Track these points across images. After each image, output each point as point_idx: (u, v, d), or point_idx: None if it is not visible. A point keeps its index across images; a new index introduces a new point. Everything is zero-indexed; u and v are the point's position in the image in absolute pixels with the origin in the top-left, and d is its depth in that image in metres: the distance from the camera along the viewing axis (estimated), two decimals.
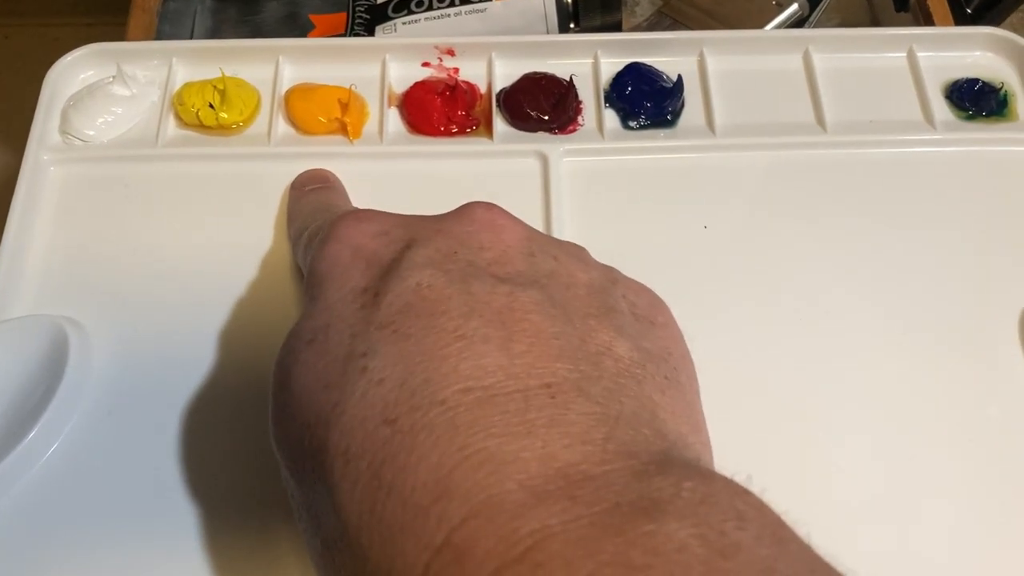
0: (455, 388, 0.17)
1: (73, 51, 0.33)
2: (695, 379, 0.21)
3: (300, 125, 0.33)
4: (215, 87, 0.33)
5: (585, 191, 0.32)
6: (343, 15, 0.38)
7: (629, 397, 0.18)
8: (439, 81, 0.33)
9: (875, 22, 0.41)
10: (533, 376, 0.17)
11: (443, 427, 0.16)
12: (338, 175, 0.32)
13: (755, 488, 0.16)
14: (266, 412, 0.27)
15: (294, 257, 0.29)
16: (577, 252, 0.22)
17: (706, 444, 0.20)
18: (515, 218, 0.22)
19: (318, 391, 0.18)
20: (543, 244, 0.22)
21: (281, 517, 0.26)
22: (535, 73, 0.34)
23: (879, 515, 0.26)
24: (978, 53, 0.35)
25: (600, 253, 0.31)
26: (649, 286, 0.30)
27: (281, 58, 0.34)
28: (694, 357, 0.26)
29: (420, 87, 0.33)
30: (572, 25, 0.38)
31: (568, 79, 0.33)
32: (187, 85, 0.33)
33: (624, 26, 0.40)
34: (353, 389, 0.17)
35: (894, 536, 0.26)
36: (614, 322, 0.20)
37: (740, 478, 0.16)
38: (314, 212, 0.28)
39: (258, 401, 0.28)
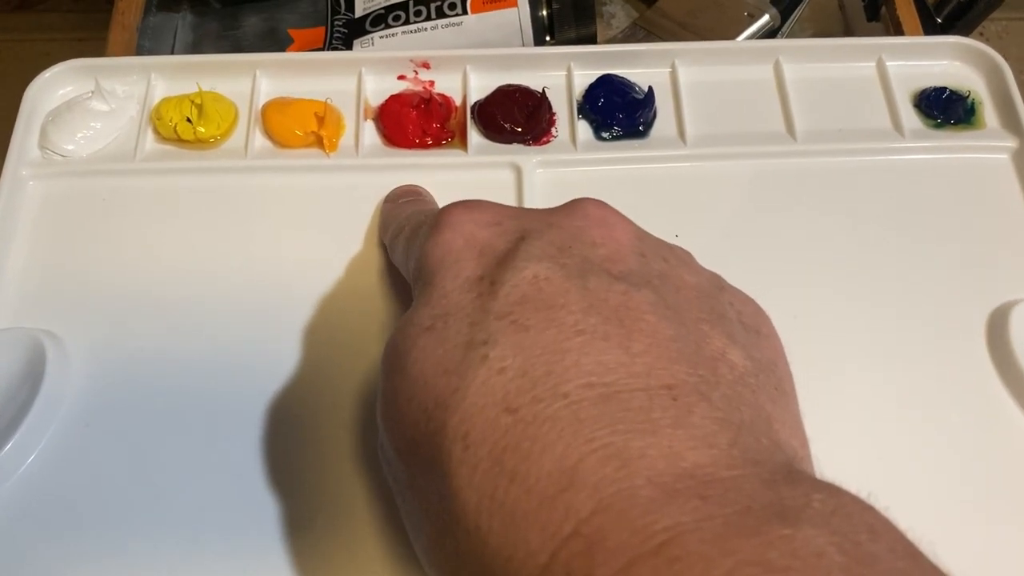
0: (578, 382, 0.17)
1: (52, 67, 0.34)
2: (796, 393, 0.21)
3: (277, 138, 0.33)
4: (192, 101, 0.33)
5: (559, 201, 0.32)
6: (322, 29, 0.39)
7: (747, 406, 0.18)
8: (414, 94, 0.34)
9: (848, 32, 0.42)
10: (654, 376, 0.17)
11: (567, 419, 0.16)
12: (314, 187, 0.32)
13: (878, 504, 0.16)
14: (244, 420, 0.28)
15: (391, 257, 0.29)
16: (684, 256, 0.23)
17: (811, 459, 0.20)
18: (624, 216, 0.22)
19: (437, 376, 0.18)
20: (653, 245, 0.22)
21: (259, 524, 0.26)
22: (509, 86, 0.34)
23: None
24: (946, 62, 0.36)
25: None
26: None
27: (258, 72, 0.34)
28: None
29: (395, 100, 0.34)
30: (548, 38, 0.38)
31: (541, 91, 0.34)
32: (165, 100, 0.34)
33: (600, 38, 0.41)
34: (474, 376, 0.18)
35: None
36: (725, 329, 0.20)
37: (863, 494, 0.16)
38: (410, 217, 0.28)
39: (235, 412, 0.28)
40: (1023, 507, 0.27)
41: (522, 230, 0.21)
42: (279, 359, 0.29)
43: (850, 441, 0.28)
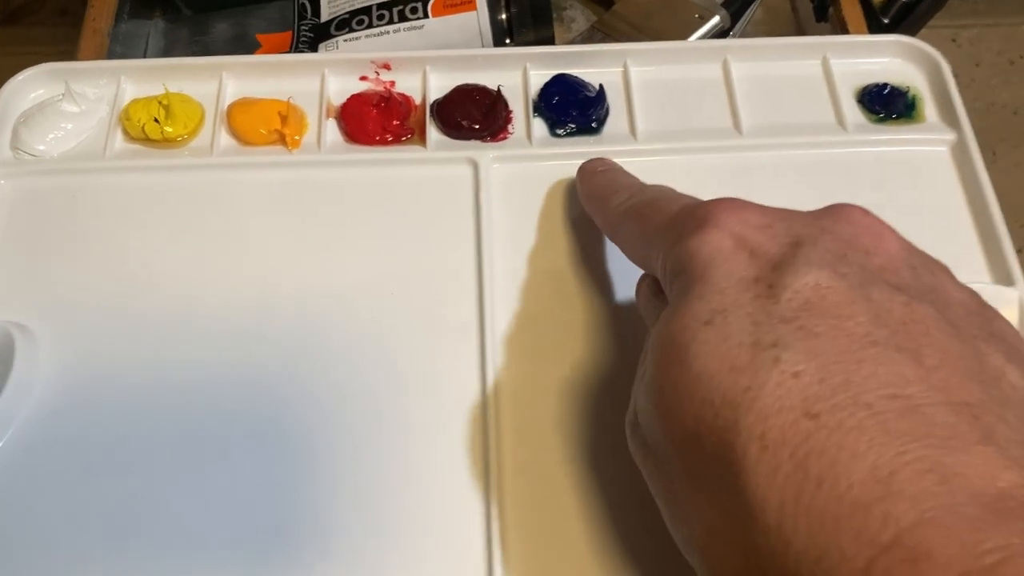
0: (879, 393, 0.17)
1: (24, 71, 0.35)
2: None
3: (241, 137, 0.34)
4: (160, 102, 0.34)
5: (514, 194, 0.34)
6: (288, 34, 0.40)
7: None
8: (375, 93, 0.35)
9: (800, 32, 0.43)
10: (952, 393, 0.17)
11: (874, 430, 0.17)
12: (278, 183, 0.34)
13: None
14: (211, 414, 0.29)
15: (611, 230, 0.29)
16: (945, 269, 0.22)
17: None
18: (889, 225, 0.22)
19: (724, 373, 0.19)
20: (921, 257, 0.22)
21: (228, 520, 0.27)
22: (467, 85, 0.35)
23: None
24: (888, 60, 0.37)
25: (528, 252, 0.32)
26: (577, 280, 0.32)
27: (224, 74, 0.36)
28: (618, 346, 0.28)
29: (356, 99, 0.35)
30: (507, 40, 0.40)
31: (496, 89, 0.35)
32: (134, 101, 0.35)
33: (560, 41, 0.42)
34: (766, 377, 0.18)
35: None
36: (999, 347, 0.20)
37: None
38: (632, 193, 0.28)
39: (204, 406, 0.29)
40: None
41: (794, 235, 0.21)
42: (246, 353, 0.30)
43: None
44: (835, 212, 0.22)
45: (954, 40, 1.29)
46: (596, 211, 0.30)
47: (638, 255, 0.26)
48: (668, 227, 0.24)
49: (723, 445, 0.18)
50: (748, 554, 0.18)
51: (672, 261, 0.23)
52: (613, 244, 0.32)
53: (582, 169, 0.32)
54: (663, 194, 0.26)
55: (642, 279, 0.27)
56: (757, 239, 0.21)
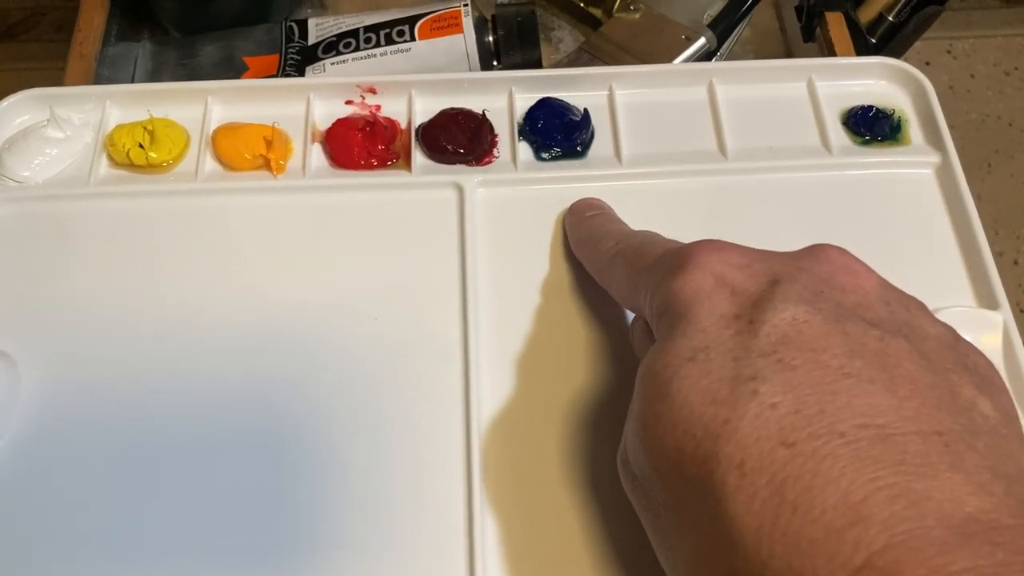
0: (852, 423, 0.18)
1: (9, 96, 0.35)
2: None
3: (226, 162, 0.34)
4: (145, 128, 0.34)
5: (499, 219, 0.34)
6: (276, 57, 0.40)
7: (1007, 456, 0.19)
8: (360, 118, 0.35)
9: (788, 53, 0.43)
10: (922, 422, 0.18)
11: (847, 458, 0.17)
12: (263, 209, 0.34)
13: None
14: (195, 441, 0.29)
15: (598, 274, 0.30)
16: (921, 306, 0.23)
17: None
18: (866, 264, 0.23)
19: (705, 406, 0.20)
20: (895, 294, 0.23)
21: (209, 543, 0.27)
22: (452, 109, 0.35)
23: None
24: (873, 82, 0.37)
25: (513, 277, 0.32)
26: (561, 304, 0.32)
27: (210, 99, 0.36)
28: (601, 368, 0.30)
29: (341, 124, 0.35)
30: (495, 63, 0.40)
31: (481, 113, 0.35)
32: (118, 127, 0.35)
33: (548, 62, 0.42)
34: (745, 409, 0.19)
35: None
36: (971, 379, 0.20)
37: None
38: (619, 239, 0.29)
39: (187, 432, 0.29)
40: None
41: (773, 273, 0.22)
42: (232, 377, 0.30)
43: None
44: (813, 252, 0.23)
45: (949, 51, 1.29)
46: (585, 256, 0.31)
47: (626, 298, 0.27)
48: (652, 269, 0.25)
49: (704, 474, 0.19)
50: None
51: (657, 301, 0.23)
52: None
53: (571, 211, 0.33)
54: (648, 239, 0.27)
55: (635, 321, 0.28)
56: (737, 278, 0.22)
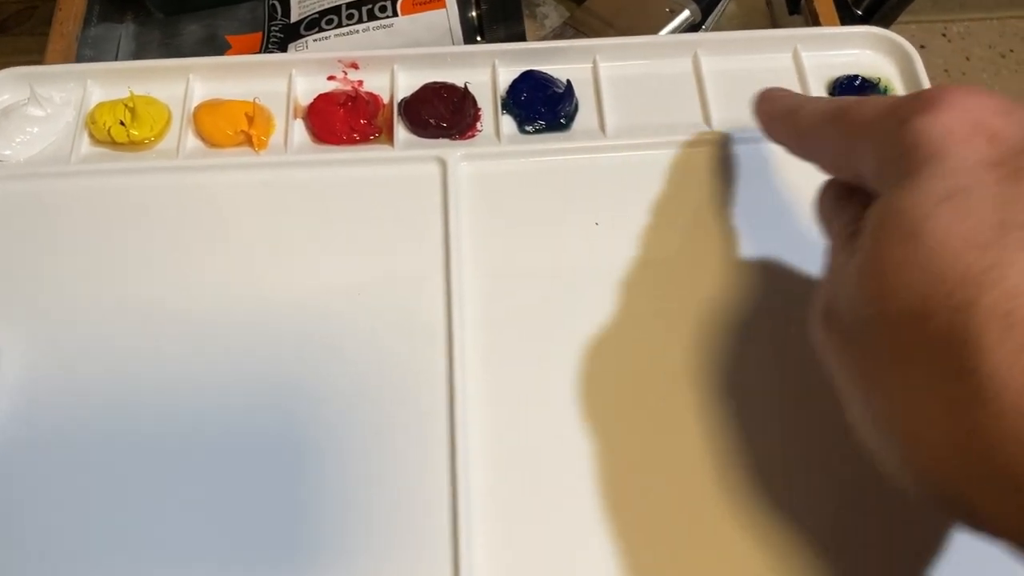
0: None
1: None
2: None
3: (208, 138, 0.34)
4: (126, 105, 0.34)
5: (483, 193, 0.34)
6: (259, 35, 0.40)
7: None
8: (342, 92, 0.35)
9: (774, 26, 0.43)
10: None
11: None
12: (245, 185, 0.33)
13: None
14: (181, 427, 0.29)
15: (801, 143, 0.27)
16: None
17: None
18: None
19: (964, 250, 0.18)
20: None
21: (195, 541, 0.28)
22: (434, 83, 0.35)
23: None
24: (859, 51, 0.37)
25: (496, 249, 0.32)
26: (546, 277, 0.32)
27: (191, 76, 0.35)
28: (586, 344, 0.29)
29: (323, 99, 0.35)
30: (478, 38, 0.40)
31: (463, 86, 0.35)
32: (99, 105, 0.35)
33: (532, 37, 0.42)
34: (1014, 258, 0.18)
35: None
36: None
37: None
38: (808, 101, 0.27)
39: (174, 406, 0.29)
40: None
41: None
42: (213, 352, 0.30)
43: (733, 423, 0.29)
44: None
45: (944, 34, 1.28)
46: (783, 128, 0.28)
47: (837, 156, 0.25)
48: (887, 114, 0.22)
49: (957, 324, 0.18)
50: (972, 436, 0.17)
51: (896, 146, 0.21)
52: (579, 241, 0.32)
53: (762, 96, 0.30)
54: (866, 98, 0.25)
55: (825, 185, 0.26)
56: (996, 123, 0.20)
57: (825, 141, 0.25)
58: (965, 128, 0.20)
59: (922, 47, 1.28)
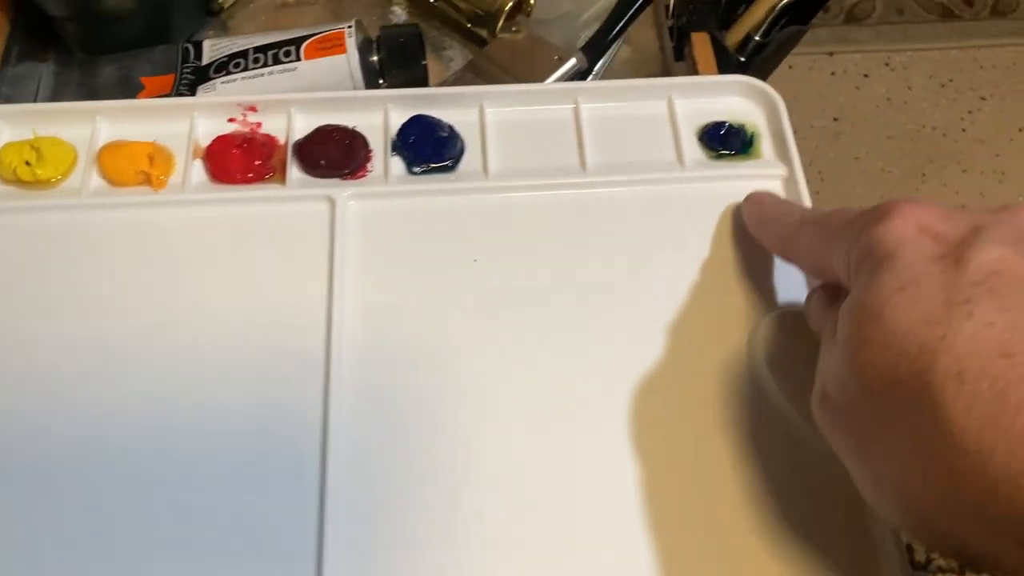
0: None
1: None
2: None
3: (111, 178, 0.36)
4: (31, 146, 0.36)
5: (371, 231, 0.36)
6: (171, 77, 0.42)
7: None
8: (239, 134, 0.37)
9: (667, 72, 0.46)
10: None
11: None
12: (144, 223, 0.35)
13: None
14: (69, 448, 0.30)
15: (784, 247, 0.32)
16: None
17: None
18: None
19: (919, 327, 0.22)
20: None
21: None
22: (328, 125, 0.37)
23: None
24: (730, 99, 0.39)
25: (380, 283, 0.34)
26: (422, 312, 0.34)
27: (98, 118, 0.37)
28: (459, 379, 0.32)
29: (221, 140, 0.37)
30: (380, 81, 0.42)
31: (352, 129, 0.37)
32: (7, 145, 0.36)
33: (437, 79, 0.44)
34: (960, 328, 0.21)
35: None
36: None
37: None
38: (789, 211, 0.32)
39: (61, 443, 0.31)
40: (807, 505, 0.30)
41: (973, 222, 0.24)
42: (106, 391, 0.32)
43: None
44: (1008, 207, 0.25)
45: (887, 64, 1.32)
46: (768, 232, 0.33)
47: (816, 260, 0.29)
48: (851, 224, 0.26)
49: (921, 386, 0.21)
50: (953, 478, 0.20)
51: (858, 250, 0.25)
52: (458, 277, 0.34)
53: (750, 199, 0.35)
54: (836, 209, 0.29)
55: (812, 293, 0.30)
56: (940, 226, 0.24)
57: (805, 245, 0.30)
58: (912, 232, 0.24)
59: (865, 76, 1.32)
